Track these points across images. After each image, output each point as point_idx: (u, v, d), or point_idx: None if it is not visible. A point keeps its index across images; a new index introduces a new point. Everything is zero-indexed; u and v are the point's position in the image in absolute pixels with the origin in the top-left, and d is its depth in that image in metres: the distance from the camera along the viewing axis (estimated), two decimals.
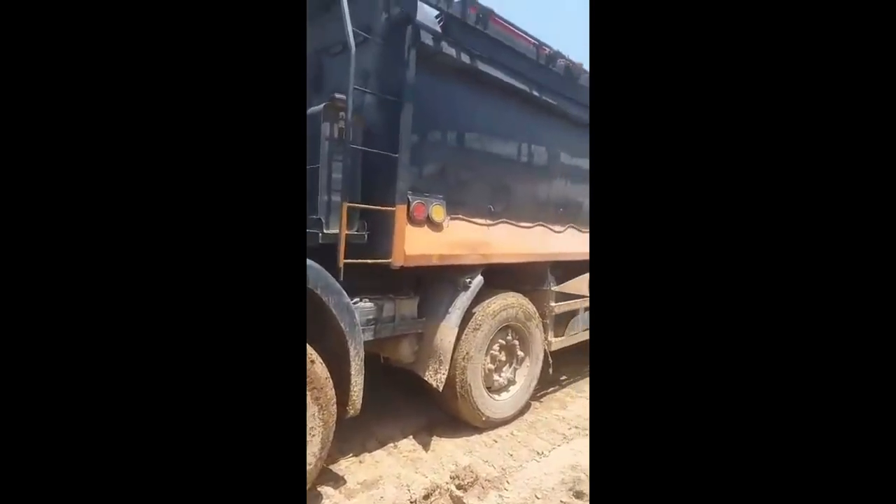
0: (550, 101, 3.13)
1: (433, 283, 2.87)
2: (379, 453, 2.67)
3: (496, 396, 3.11)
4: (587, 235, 3.90)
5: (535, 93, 2.99)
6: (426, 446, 2.76)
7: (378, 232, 2.35)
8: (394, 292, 2.59)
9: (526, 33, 2.84)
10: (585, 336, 3.98)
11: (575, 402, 3.67)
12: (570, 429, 3.13)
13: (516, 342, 3.23)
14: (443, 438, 2.87)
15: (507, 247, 3.02)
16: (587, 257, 3.85)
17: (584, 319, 3.91)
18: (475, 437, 2.90)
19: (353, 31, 2.09)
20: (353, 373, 2.18)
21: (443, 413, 3.04)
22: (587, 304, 3.91)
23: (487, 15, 2.54)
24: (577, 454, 2.77)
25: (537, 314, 3.34)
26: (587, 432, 3.07)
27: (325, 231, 2.16)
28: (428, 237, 2.49)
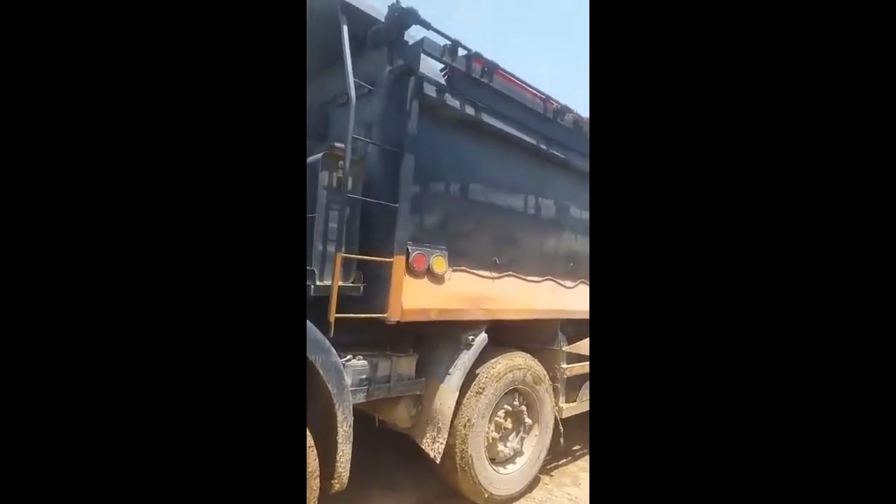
0: (558, 154, 3.08)
1: (434, 339, 2.69)
2: None
3: (501, 469, 2.80)
4: None
5: (542, 146, 2.95)
6: None
7: (375, 284, 2.22)
8: (391, 349, 2.41)
9: (533, 87, 2.84)
10: None
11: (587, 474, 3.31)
12: None
13: (524, 408, 2.96)
14: None
15: (513, 302, 2.85)
16: None
17: None
18: None
19: (356, 83, 2.09)
20: (339, 441, 1.96)
21: (442, 486, 2.73)
22: None
23: (492, 69, 2.56)
24: None
25: (547, 377, 3.09)
26: None
27: (317, 283, 2.04)
28: (428, 290, 2.35)
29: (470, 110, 2.45)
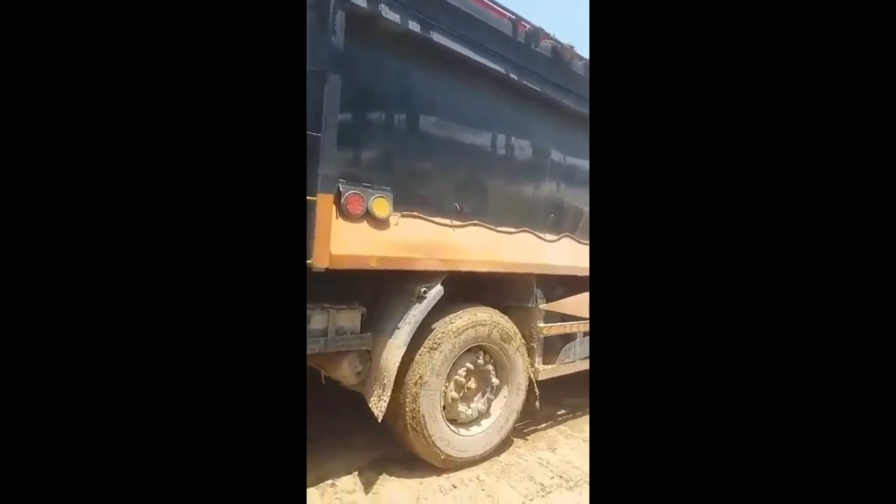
0: (534, 87, 2.72)
1: (386, 292, 2.47)
2: (312, 492, 2.24)
3: (463, 431, 2.61)
4: (587, 247, 3.38)
5: (513, 76, 2.59)
6: (368, 487, 2.31)
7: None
8: (331, 301, 2.21)
9: (499, 4, 2.46)
10: (584, 365, 3.41)
11: (569, 442, 3.10)
12: (552, 478, 2.57)
13: (490, 367, 2.74)
14: (392, 478, 2.40)
15: (477, 253, 2.58)
16: (586, 272, 3.33)
17: (583, 345, 3.35)
18: (431, 480, 2.41)
19: None
20: None
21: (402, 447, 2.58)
22: (587, 327, 3.36)
23: None
24: None
25: (519, 336, 2.84)
26: (572, 484, 2.51)
27: None
28: (366, 235, 2.10)
29: (415, 27, 2.12)
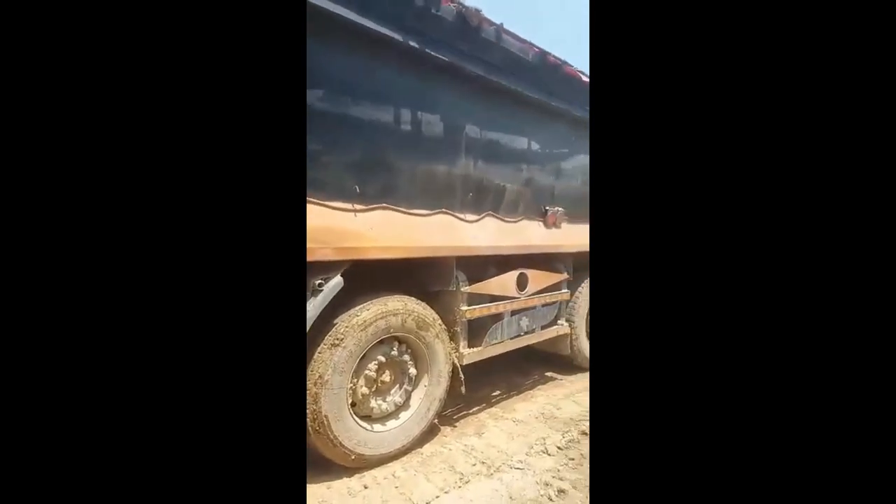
0: (441, 56, 2.51)
1: None
2: None
3: (378, 427, 2.49)
4: (513, 225, 3.27)
5: (413, 43, 2.37)
6: None
7: None
8: None
9: None
10: (514, 344, 3.35)
11: (498, 424, 3.04)
12: (473, 465, 2.50)
13: (407, 357, 2.61)
14: None
15: (385, 239, 2.40)
16: (517, 251, 3.23)
17: (510, 324, 3.28)
18: (340, 483, 2.29)
19: None
20: None
21: None
22: (515, 305, 3.29)
23: None
24: None
25: (438, 322, 2.72)
26: (494, 469, 2.45)
27: None
28: None
29: None
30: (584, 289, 4.04)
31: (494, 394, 3.60)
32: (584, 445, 2.75)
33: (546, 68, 3.24)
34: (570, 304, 3.96)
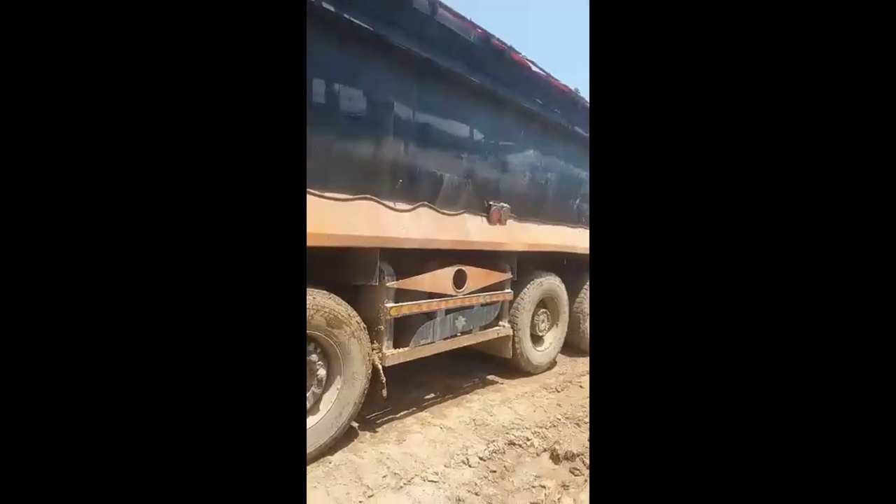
0: (364, 25, 2.28)
1: None
2: None
3: None
4: (452, 218, 3.07)
5: (327, 5, 2.13)
6: None
7: None
8: None
9: None
10: (448, 345, 3.14)
11: (423, 431, 2.83)
12: (384, 476, 2.27)
13: (315, 357, 2.36)
14: None
15: None
16: (455, 246, 3.02)
17: (445, 324, 3.07)
18: None
19: None
20: None
21: None
22: (450, 304, 3.08)
23: None
24: None
25: (356, 319, 2.48)
26: (405, 482, 2.23)
27: None
28: None
29: None
30: (530, 290, 3.88)
31: (428, 397, 3.38)
32: (509, 457, 2.57)
33: (489, 52, 3.05)
34: (515, 305, 3.79)
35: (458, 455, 2.53)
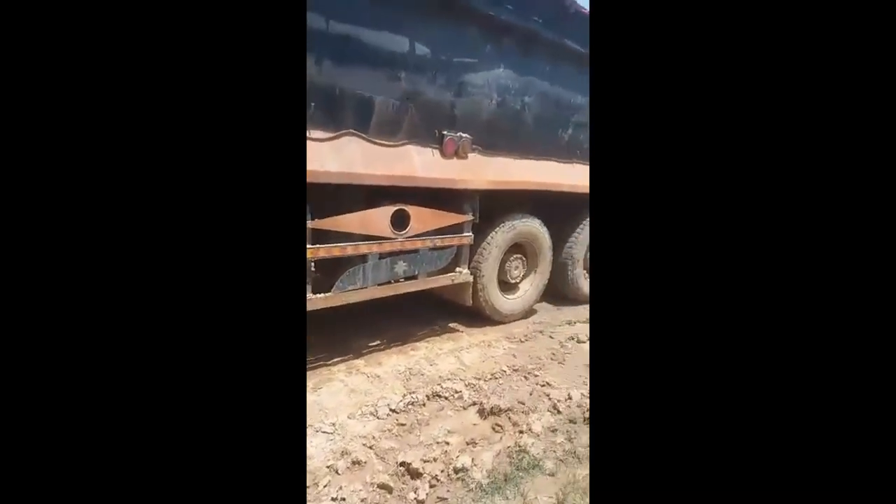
0: None
1: None
2: None
3: None
4: (389, 150, 2.70)
5: None
6: None
7: None
8: None
9: None
10: (384, 292, 2.93)
11: (347, 379, 2.71)
12: None
13: None
14: None
15: None
16: (392, 182, 2.70)
17: (378, 269, 2.83)
18: None
19: None
20: None
21: None
22: (385, 247, 2.81)
23: None
24: None
25: None
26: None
27: None
28: None
29: None
30: (499, 233, 3.50)
31: (372, 343, 3.25)
32: (428, 410, 2.40)
33: None
34: (480, 249, 3.45)
35: (368, 406, 2.39)
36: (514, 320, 3.89)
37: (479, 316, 3.74)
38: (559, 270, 4.27)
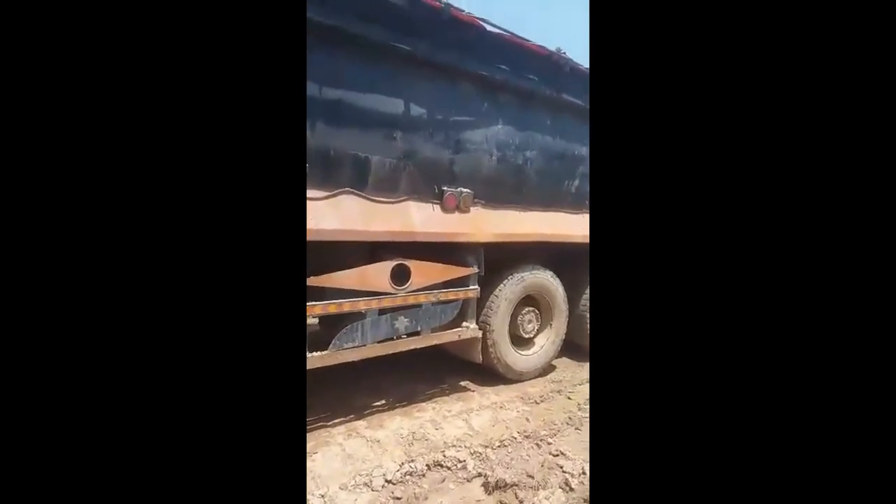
0: None
1: None
2: None
3: None
4: (388, 206, 2.74)
5: None
6: None
7: None
8: None
9: None
10: (386, 349, 2.83)
11: (345, 443, 2.55)
12: None
13: None
14: None
15: None
16: (391, 237, 2.71)
17: (377, 325, 2.76)
18: None
19: None
20: None
21: None
22: (385, 303, 2.76)
23: None
24: None
25: None
26: None
27: None
28: None
29: None
30: (508, 286, 3.40)
31: (376, 403, 3.10)
32: (428, 481, 2.21)
33: (422, 13, 2.64)
34: (488, 303, 3.35)
35: (364, 475, 2.22)
36: (531, 378, 3.66)
37: (490, 374, 3.54)
38: (577, 323, 4.05)
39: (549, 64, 3.33)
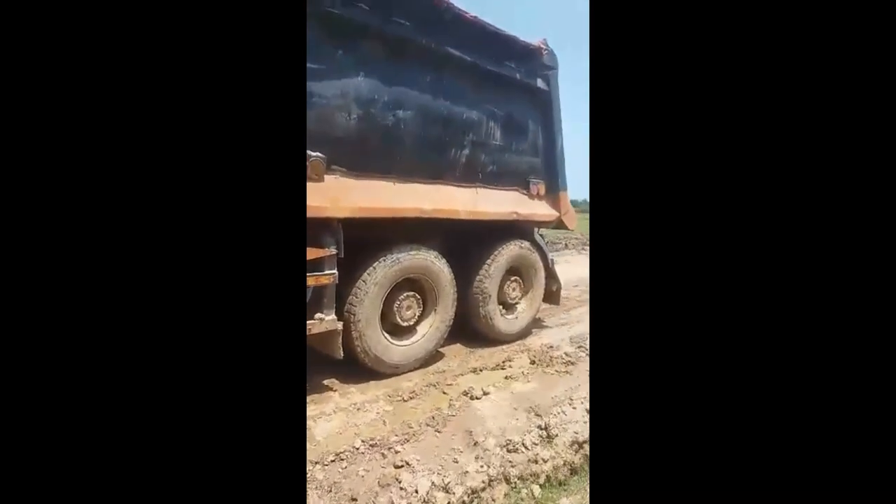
0: None
1: None
2: None
3: None
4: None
5: None
6: None
7: None
8: None
9: None
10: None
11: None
12: None
13: None
14: None
15: None
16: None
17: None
18: None
19: None
20: None
21: None
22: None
23: None
24: None
25: None
26: None
27: None
28: None
29: None
30: (379, 270, 2.96)
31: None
32: None
33: None
34: (355, 290, 2.90)
35: None
36: (409, 370, 3.29)
37: (366, 370, 3.13)
38: (471, 307, 3.72)
39: (427, 8, 2.82)
